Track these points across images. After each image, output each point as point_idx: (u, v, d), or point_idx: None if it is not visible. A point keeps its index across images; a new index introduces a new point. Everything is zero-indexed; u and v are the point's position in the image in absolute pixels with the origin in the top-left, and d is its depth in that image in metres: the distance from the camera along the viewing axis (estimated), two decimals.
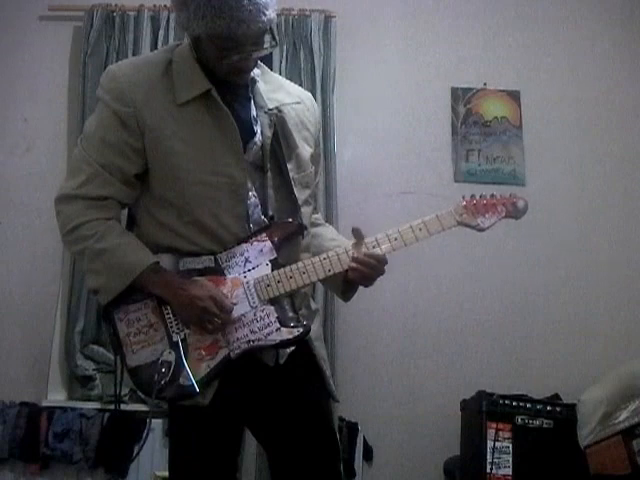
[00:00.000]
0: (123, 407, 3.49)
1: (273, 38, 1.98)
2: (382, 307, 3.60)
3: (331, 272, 1.99)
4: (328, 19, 3.70)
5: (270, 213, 2.01)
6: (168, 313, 1.94)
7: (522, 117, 3.82)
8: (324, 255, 2.00)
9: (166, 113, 1.94)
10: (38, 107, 3.77)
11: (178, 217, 1.95)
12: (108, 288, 1.92)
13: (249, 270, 1.96)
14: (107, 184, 1.94)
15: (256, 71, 2.06)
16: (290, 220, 2.02)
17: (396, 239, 2.01)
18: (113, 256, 1.91)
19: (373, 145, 3.78)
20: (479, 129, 3.81)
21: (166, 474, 3.24)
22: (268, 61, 3.67)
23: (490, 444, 3.05)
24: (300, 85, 3.49)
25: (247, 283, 1.95)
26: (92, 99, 3.60)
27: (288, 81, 2.25)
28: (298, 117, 2.11)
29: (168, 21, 3.67)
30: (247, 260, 1.96)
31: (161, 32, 3.66)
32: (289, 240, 2.01)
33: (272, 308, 1.94)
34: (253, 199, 1.99)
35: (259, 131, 2.02)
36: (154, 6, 3.69)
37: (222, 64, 1.93)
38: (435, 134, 3.80)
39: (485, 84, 3.85)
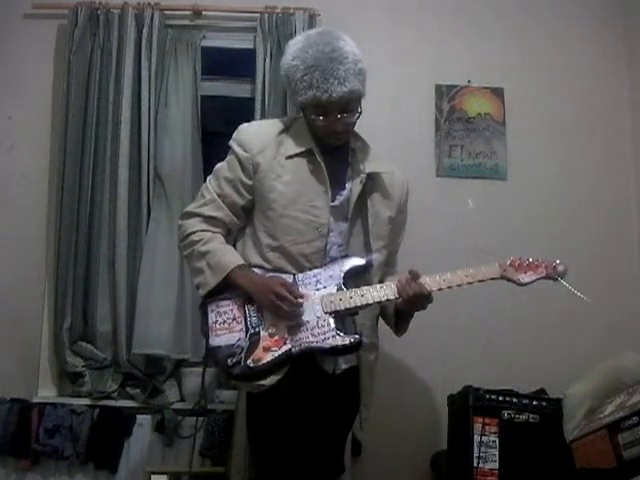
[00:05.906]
0: (112, 403, 3.53)
1: (359, 106, 2.43)
2: None
3: (385, 298, 2.39)
4: (312, 17, 3.69)
5: (346, 253, 2.45)
6: (249, 311, 2.38)
7: (505, 113, 3.84)
8: (381, 285, 2.43)
9: (275, 161, 2.45)
10: (22, 105, 3.76)
11: (268, 244, 2.43)
12: (206, 283, 2.41)
13: (318, 289, 2.38)
14: (219, 208, 2.48)
15: (358, 143, 2.56)
16: (360, 257, 2.45)
17: (444, 280, 2.39)
18: (213, 256, 2.41)
19: None
20: (462, 125, 3.82)
21: (156, 469, 3.30)
22: (252, 60, 3.69)
23: (477, 438, 3.06)
24: (283, 84, 3.54)
25: (315, 297, 2.37)
26: (76, 96, 3.62)
27: (385, 158, 2.66)
28: (385, 185, 2.56)
29: (152, 19, 3.66)
30: (318, 281, 2.39)
31: (145, 30, 3.64)
32: (356, 273, 2.44)
33: (332, 320, 2.34)
34: (333, 238, 2.44)
35: (349, 187, 2.48)
36: (138, 4, 3.68)
37: (316, 126, 2.42)
38: (418, 131, 3.81)
39: (469, 81, 3.86)
